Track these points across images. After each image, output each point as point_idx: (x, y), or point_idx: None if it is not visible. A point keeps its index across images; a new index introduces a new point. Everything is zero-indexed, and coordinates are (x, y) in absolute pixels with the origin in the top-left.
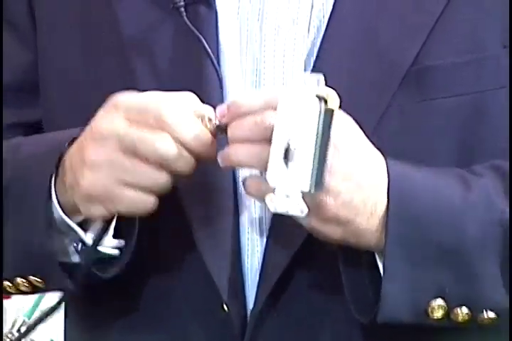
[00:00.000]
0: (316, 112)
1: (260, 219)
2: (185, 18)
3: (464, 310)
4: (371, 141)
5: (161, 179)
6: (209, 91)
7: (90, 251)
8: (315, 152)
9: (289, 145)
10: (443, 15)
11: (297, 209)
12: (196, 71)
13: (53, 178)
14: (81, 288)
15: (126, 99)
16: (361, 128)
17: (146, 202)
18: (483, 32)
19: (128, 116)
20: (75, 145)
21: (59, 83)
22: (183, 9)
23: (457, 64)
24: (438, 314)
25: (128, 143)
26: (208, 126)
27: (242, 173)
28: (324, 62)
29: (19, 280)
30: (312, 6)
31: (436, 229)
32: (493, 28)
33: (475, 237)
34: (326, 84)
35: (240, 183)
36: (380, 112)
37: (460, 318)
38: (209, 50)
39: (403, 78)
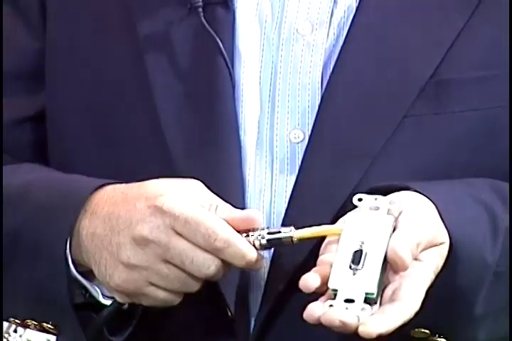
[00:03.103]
0: (390, 226)
1: (268, 220)
2: (202, 18)
3: (441, 339)
4: (384, 153)
5: (194, 286)
6: (221, 93)
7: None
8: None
9: (359, 250)
10: (464, 30)
11: (358, 310)
12: (210, 72)
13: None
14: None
15: (173, 205)
16: (376, 137)
17: (173, 301)
18: (498, 49)
19: (174, 226)
20: (99, 225)
21: (66, 76)
22: (201, 10)
23: (475, 78)
24: (416, 335)
25: (173, 255)
26: (256, 243)
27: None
28: (342, 70)
29: (31, 322)
30: (332, 13)
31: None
32: (505, 46)
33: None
34: (341, 92)
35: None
36: (396, 122)
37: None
38: (224, 51)
39: (421, 90)
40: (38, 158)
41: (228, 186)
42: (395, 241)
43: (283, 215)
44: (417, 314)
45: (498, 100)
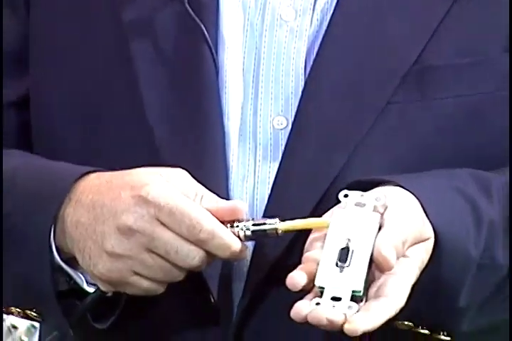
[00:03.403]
0: (376, 223)
1: (252, 207)
2: (186, 4)
3: (425, 330)
4: (368, 140)
5: (178, 276)
6: (205, 79)
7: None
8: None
9: (346, 248)
10: (448, 15)
11: (345, 308)
12: (194, 58)
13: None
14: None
15: (158, 195)
16: (359, 124)
17: (157, 290)
18: (486, 35)
19: (159, 216)
20: (84, 213)
21: (49, 62)
22: None
23: (459, 65)
24: (400, 326)
25: (157, 245)
26: (241, 234)
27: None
28: (326, 56)
29: (14, 309)
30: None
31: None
32: (495, 32)
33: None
34: (325, 78)
35: (231, 182)
36: (380, 109)
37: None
38: (208, 37)
39: (404, 76)
40: (22, 144)
41: (212, 172)
42: (380, 241)
43: (266, 202)
44: (401, 308)
45: (481, 87)
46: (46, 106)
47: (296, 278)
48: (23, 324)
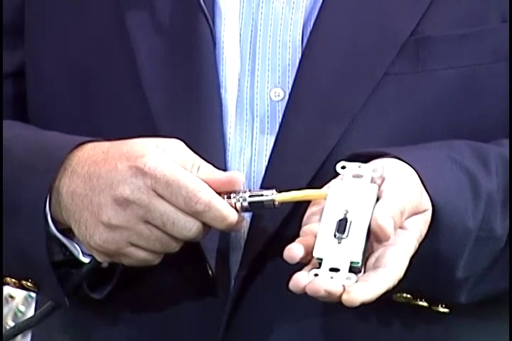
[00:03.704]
0: (374, 194)
1: (249, 179)
2: None
3: (423, 302)
4: (365, 111)
5: (175, 247)
6: (202, 50)
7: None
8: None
9: (344, 219)
10: None
11: (343, 279)
12: (191, 29)
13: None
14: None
15: (155, 166)
16: (356, 95)
17: (153, 261)
18: (484, 5)
19: (155, 188)
20: (80, 184)
21: (45, 33)
22: None
23: (456, 36)
24: (398, 299)
25: (154, 217)
26: (238, 205)
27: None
28: (322, 28)
29: (10, 280)
30: None
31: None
32: (493, 2)
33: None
34: (322, 50)
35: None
36: (377, 80)
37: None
38: (205, 9)
39: (402, 47)
40: (18, 114)
41: (209, 145)
42: (378, 211)
43: (263, 174)
44: (399, 280)
45: (479, 57)
46: (42, 77)
47: (294, 251)
48: (19, 294)
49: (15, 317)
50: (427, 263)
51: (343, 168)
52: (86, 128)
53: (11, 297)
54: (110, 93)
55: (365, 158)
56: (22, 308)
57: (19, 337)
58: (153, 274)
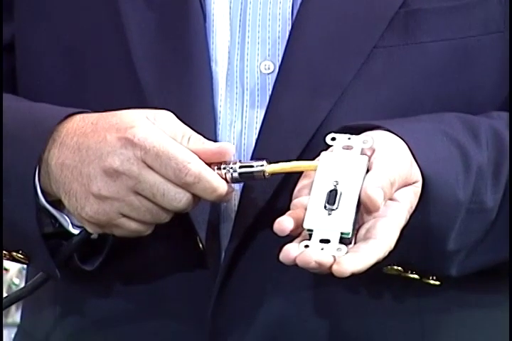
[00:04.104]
0: (364, 165)
1: (239, 152)
2: None
3: (414, 275)
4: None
5: (165, 218)
6: (192, 24)
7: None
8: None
9: (334, 190)
10: None
11: (334, 250)
12: (181, 3)
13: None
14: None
15: (144, 137)
16: (346, 68)
17: (144, 231)
18: None
19: (145, 159)
20: (69, 155)
21: (35, 7)
22: None
23: (446, 8)
24: (389, 271)
25: (144, 188)
26: (228, 176)
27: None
28: (312, 0)
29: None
30: None
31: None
32: None
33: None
34: (312, 22)
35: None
36: (366, 53)
37: (402, 274)
38: None
39: (391, 20)
40: (8, 88)
41: (200, 117)
42: (368, 182)
43: (253, 147)
44: (390, 252)
45: (468, 30)
46: (32, 52)
47: (284, 223)
48: (13, 266)
49: (9, 289)
50: (418, 235)
51: (333, 139)
52: (75, 102)
53: (5, 269)
54: (100, 67)
55: (356, 131)
56: (16, 281)
57: (13, 309)
58: (144, 246)
